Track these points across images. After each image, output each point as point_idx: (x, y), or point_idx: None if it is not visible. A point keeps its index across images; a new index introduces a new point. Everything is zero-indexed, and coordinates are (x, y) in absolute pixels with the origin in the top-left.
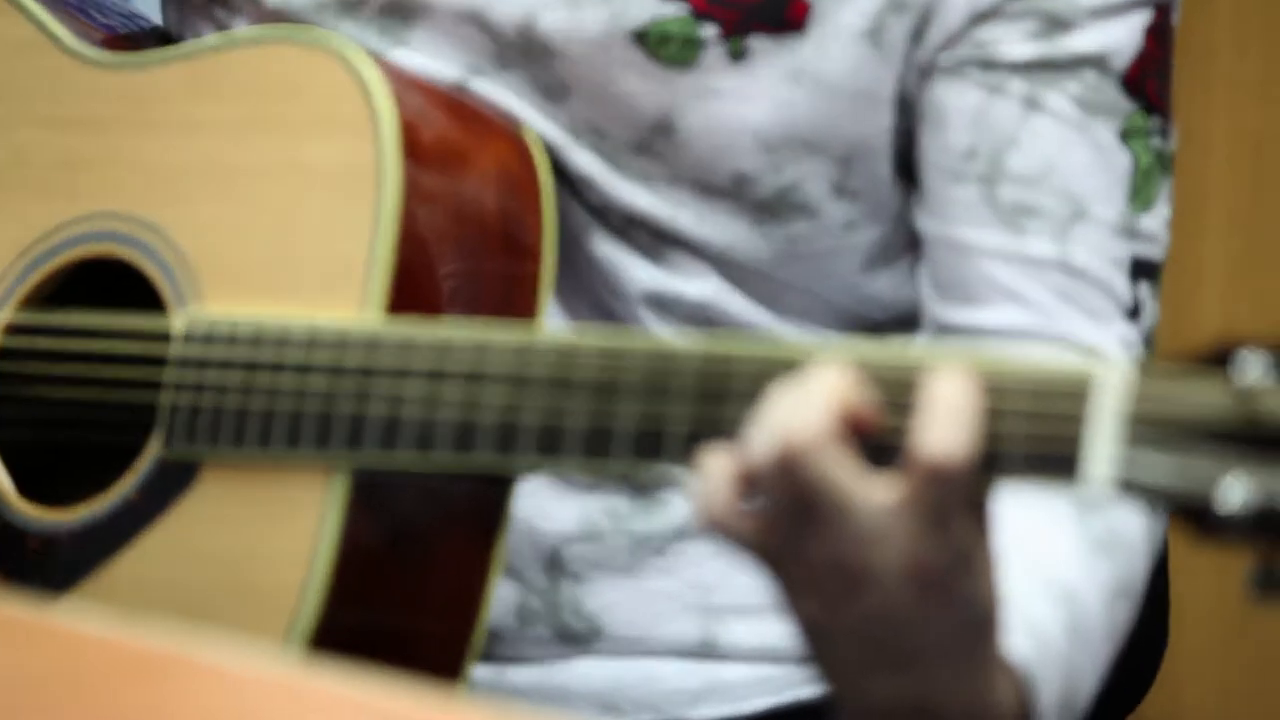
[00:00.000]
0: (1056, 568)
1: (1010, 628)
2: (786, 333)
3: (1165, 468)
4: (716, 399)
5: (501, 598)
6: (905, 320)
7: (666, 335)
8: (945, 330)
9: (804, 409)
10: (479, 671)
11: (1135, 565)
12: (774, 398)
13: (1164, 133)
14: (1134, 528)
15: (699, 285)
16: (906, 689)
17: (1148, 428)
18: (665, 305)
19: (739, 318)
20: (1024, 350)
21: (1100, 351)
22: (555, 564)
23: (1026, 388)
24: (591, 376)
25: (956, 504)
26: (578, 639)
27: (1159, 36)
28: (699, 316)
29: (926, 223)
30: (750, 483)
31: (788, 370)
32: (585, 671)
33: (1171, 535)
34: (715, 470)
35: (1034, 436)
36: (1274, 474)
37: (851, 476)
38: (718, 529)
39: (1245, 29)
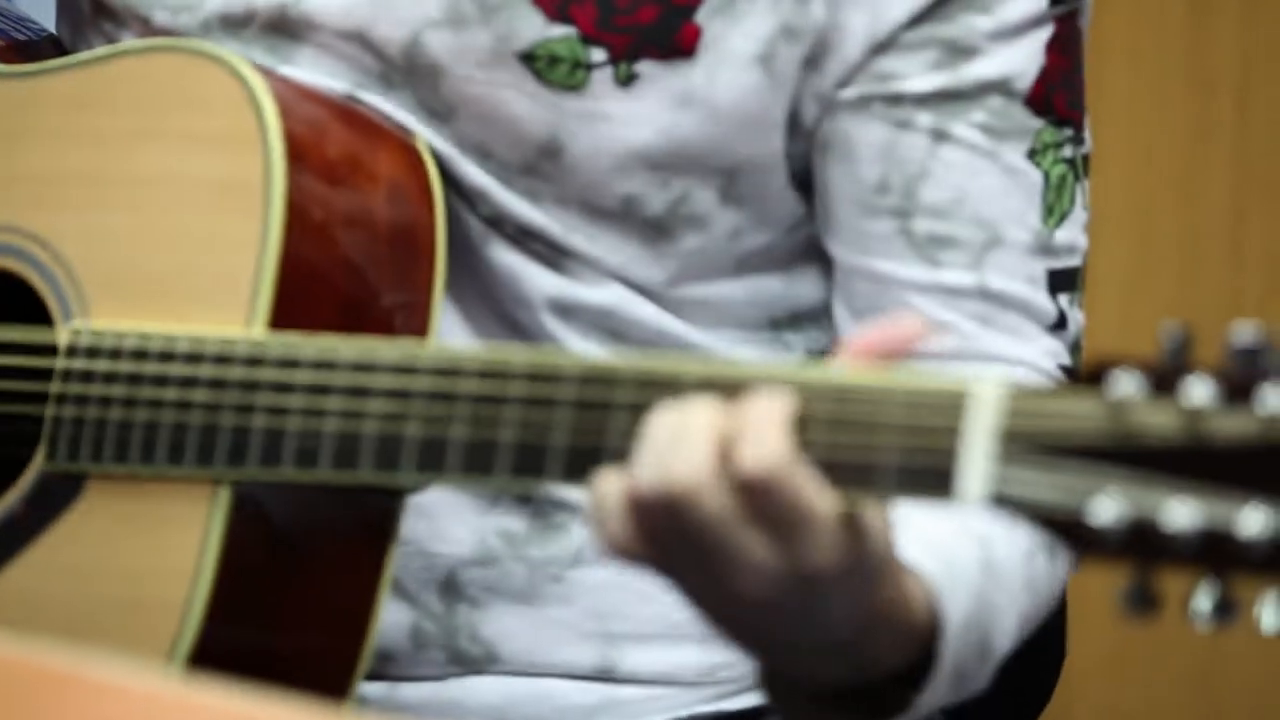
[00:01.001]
0: (970, 518)
1: (925, 552)
2: (694, 337)
3: (1039, 484)
4: (598, 414)
5: (395, 620)
6: (807, 319)
7: (572, 343)
8: None
9: (686, 451)
10: (370, 688)
11: None
12: (656, 431)
13: (1077, 140)
14: None
15: (602, 292)
16: (816, 639)
17: (1022, 444)
18: (569, 311)
19: (646, 323)
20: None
21: (1027, 364)
22: (451, 588)
23: (901, 403)
24: (473, 390)
25: (791, 520)
26: (473, 662)
27: (1063, 47)
28: (604, 323)
29: (840, 252)
30: (639, 513)
31: (668, 389)
32: (479, 688)
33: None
34: (608, 493)
35: (908, 451)
36: (1145, 491)
37: (732, 516)
38: (613, 552)
39: (1138, 37)
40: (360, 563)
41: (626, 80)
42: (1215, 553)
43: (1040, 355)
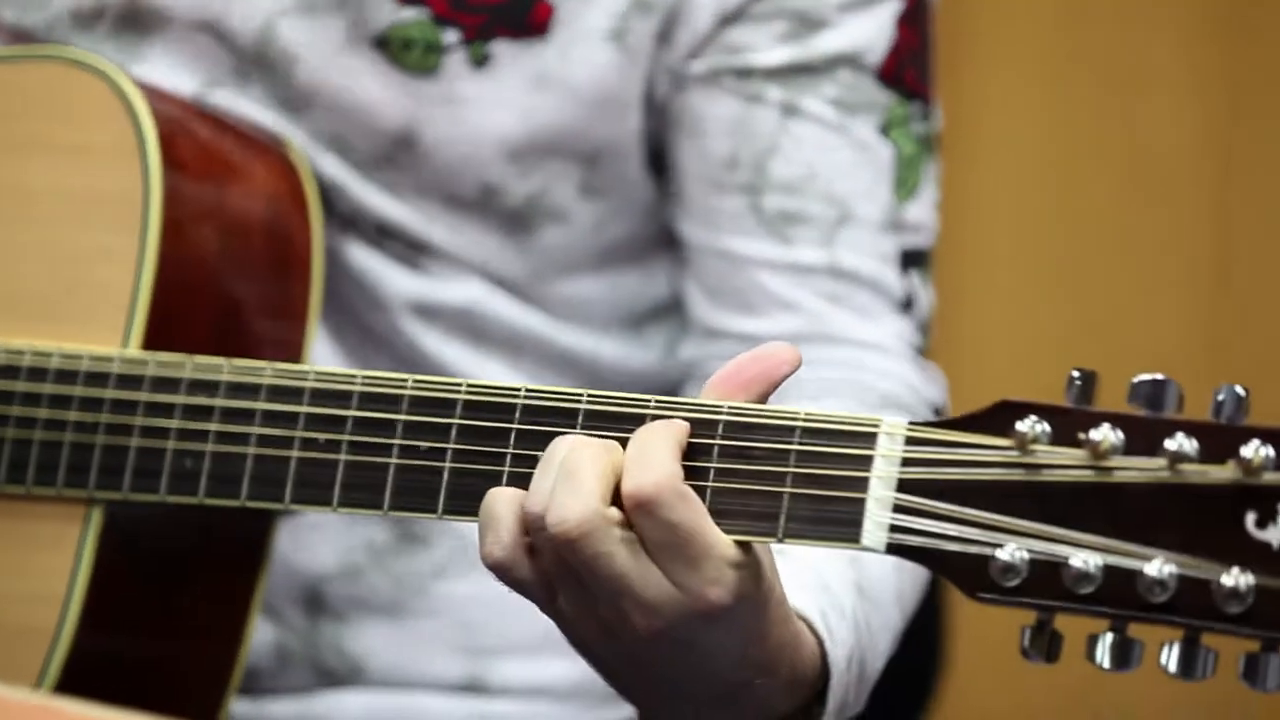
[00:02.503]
0: None
1: (801, 585)
2: (555, 334)
3: (941, 530)
4: (485, 438)
5: (258, 636)
6: (666, 312)
7: (431, 346)
8: (716, 336)
9: (572, 490)
10: (237, 706)
11: None
12: (549, 458)
13: (926, 116)
14: None
15: (461, 290)
16: (712, 689)
17: (924, 489)
18: (429, 313)
19: (506, 322)
20: (816, 401)
21: (876, 345)
22: (314, 603)
23: (802, 445)
24: (356, 414)
25: (679, 547)
26: (338, 677)
27: (912, 23)
28: (464, 323)
29: (692, 231)
30: (528, 535)
31: (563, 417)
32: (345, 703)
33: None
34: (501, 514)
35: (808, 494)
36: (1050, 535)
37: (623, 549)
38: (500, 572)
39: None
40: (232, 583)
41: (480, 61)
42: (1119, 597)
43: (889, 336)
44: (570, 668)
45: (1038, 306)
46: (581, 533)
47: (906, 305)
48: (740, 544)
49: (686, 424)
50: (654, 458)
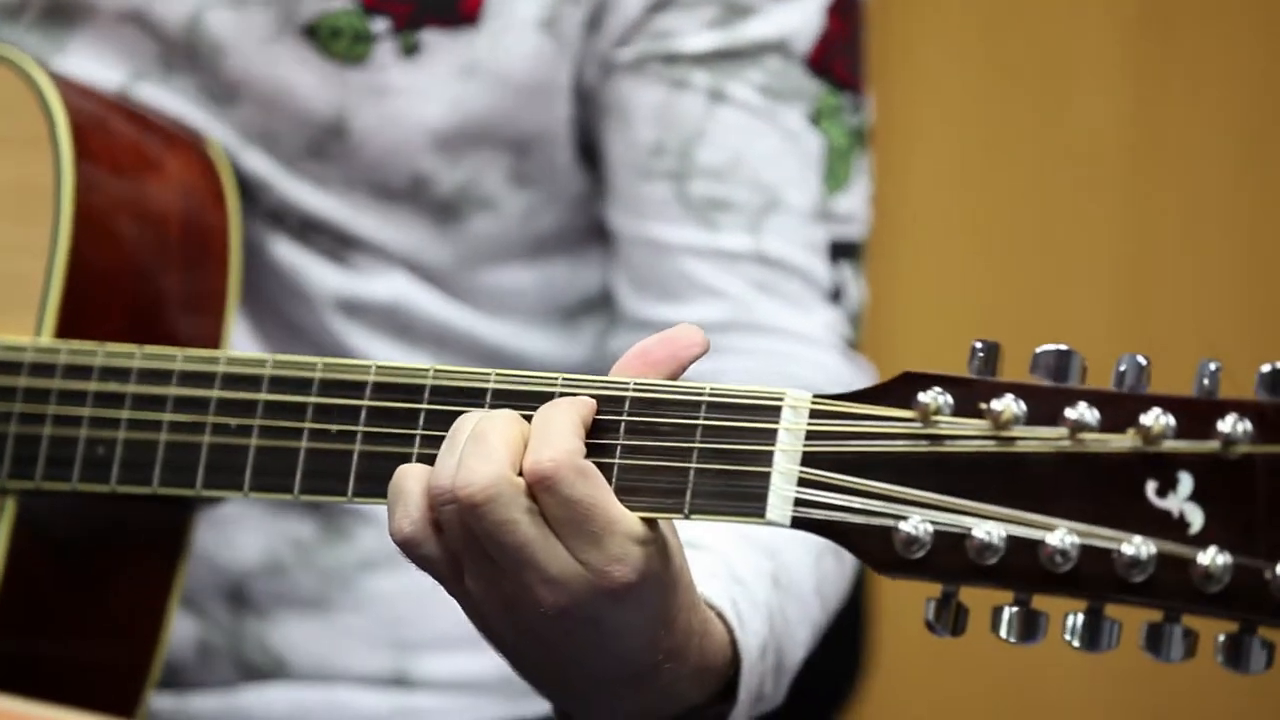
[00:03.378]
0: (756, 531)
1: (713, 574)
2: (482, 328)
3: (846, 503)
4: (394, 419)
5: (181, 632)
6: (596, 304)
7: (356, 342)
8: (643, 326)
9: (480, 456)
10: (159, 701)
11: None
12: (457, 433)
13: (858, 108)
14: None
15: (387, 285)
16: (616, 671)
17: (829, 462)
18: (354, 309)
19: (432, 317)
20: (723, 375)
21: (805, 336)
22: (238, 598)
23: (708, 419)
24: (264, 396)
25: (582, 522)
26: (261, 672)
27: (842, 14)
28: (390, 319)
29: (619, 219)
30: (435, 510)
31: (471, 396)
32: (269, 698)
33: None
34: (409, 489)
35: (714, 469)
36: (950, 508)
37: (528, 519)
38: (408, 548)
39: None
40: (150, 575)
41: (410, 50)
42: (1022, 568)
43: (819, 327)
44: (494, 662)
45: (966, 296)
46: (486, 497)
47: (836, 296)
48: (648, 522)
49: (592, 401)
50: (554, 434)
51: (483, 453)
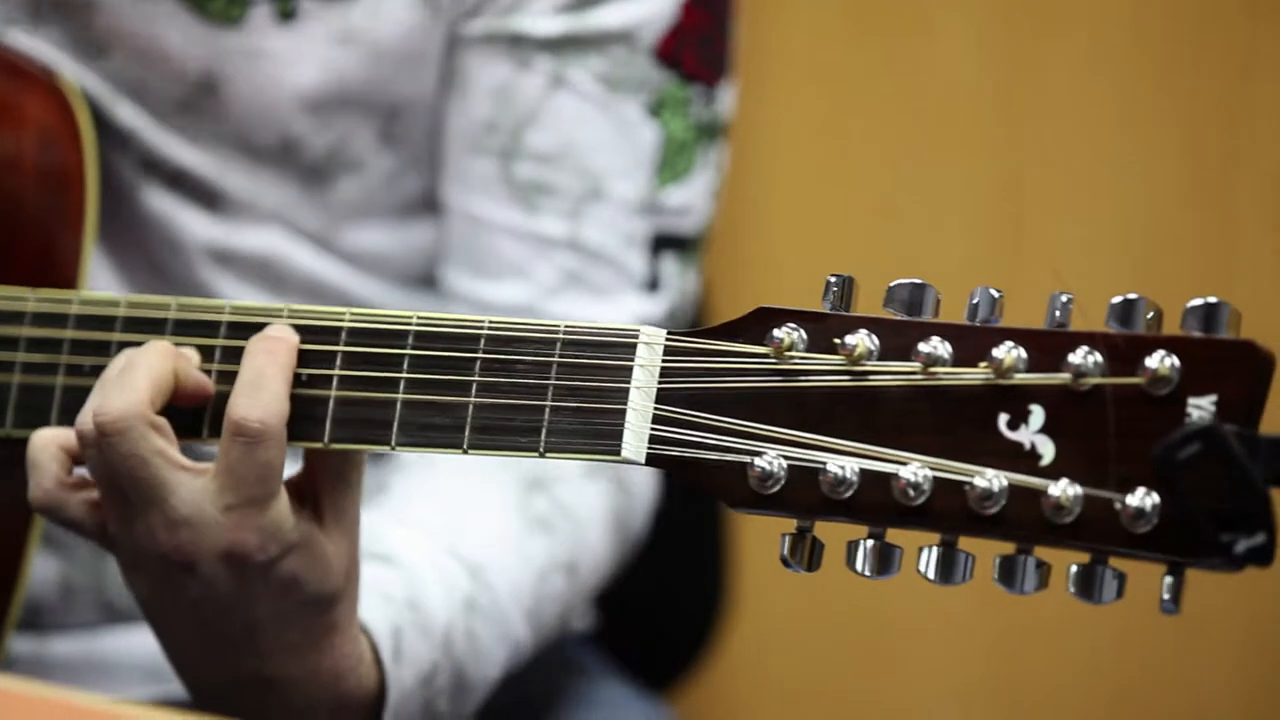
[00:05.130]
0: (469, 547)
1: (388, 596)
2: (352, 285)
3: (699, 440)
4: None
5: (43, 572)
6: None
7: (228, 293)
8: (453, 298)
9: (120, 387)
10: (18, 644)
11: (584, 540)
12: (109, 369)
13: (709, 101)
14: (587, 505)
15: (259, 237)
16: (244, 665)
17: (682, 401)
18: (225, 258)
19: (305, 271)
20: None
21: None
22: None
23: (561, 355)
24: (119, 338)
25: (264, 478)
26: (125, 614)
27: (703, 6)
28: (261, 270)
29: (446, 190)
30: (76, 462)
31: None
32: (131, 643)
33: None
34: (41, 448)
35: (570, 406)
36: (804, 443)
37: (160, 458)
38: (48, 514)
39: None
40: (6, 514)
41: (286, 15)
42: (875, 502)
43: (624, 316)
44: None
45: (836, 249)
46: (117, 428)
47: (651, 287)
48: (313, 523)
49: (292, 343)
50: (252, 386)
51: (125, 384)
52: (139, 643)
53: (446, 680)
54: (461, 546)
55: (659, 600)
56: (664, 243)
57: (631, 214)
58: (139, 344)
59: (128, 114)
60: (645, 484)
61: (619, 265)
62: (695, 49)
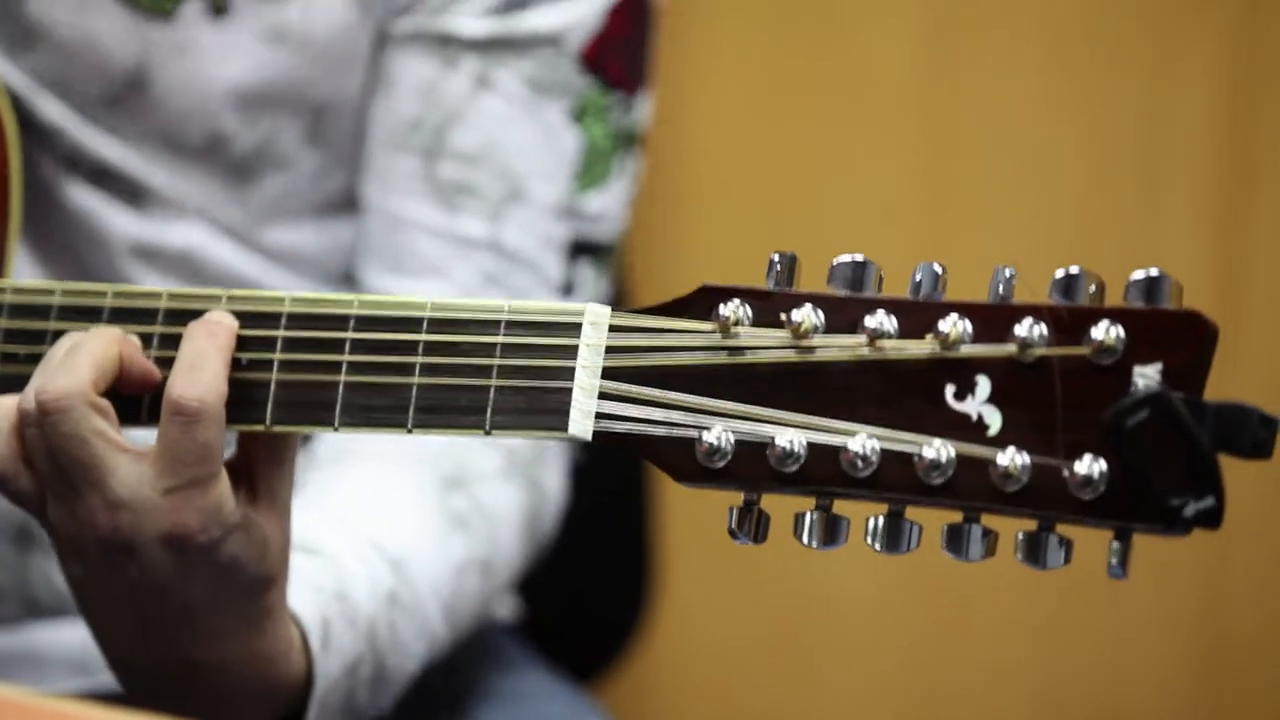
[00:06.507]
0: (391, 542)
1: (316, 587)
2: (275, 283)
3: (646, 416)
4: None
5: None
6: None
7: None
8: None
9: (64, 367)
10: None
11: (499, 539)
12: (54, 350)
13: (629, 109)
14: (503, 505)
15: (182, 234)
16: (176, 649)
17: (629, 377)
18: (149, 255)
19: (228, 268)
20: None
21: None
22: (24, 536)
23: (506, 335)
24: (54, 326)
25: (204, 458)
26: (49, 609)
27: (628, 15)
28: (185, 266)
29: (366, 187)
30: (22, 429)
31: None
32: (59, 636)
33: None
34: (4, 415)
35: (515, 386)
36: (751, 417)
37: (100, 439)
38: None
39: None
40: None
41: (219, 11)
42: (824, 474)
43: None
44: None
45: (768, 228)
46: (58, 406)
47: (566, 292)
48: (249, 505)
49: (231, 326)
50: (190, 367)
51: (69, 366)
52: (66, 636)
53: (369, 671)
54: (384, 540)
55: (585, 590)
56: (580, 249)
57: (551, 218)
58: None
59: (53, 110)
60: (556, 486)
61: (536, 268)
62: (618, 57)
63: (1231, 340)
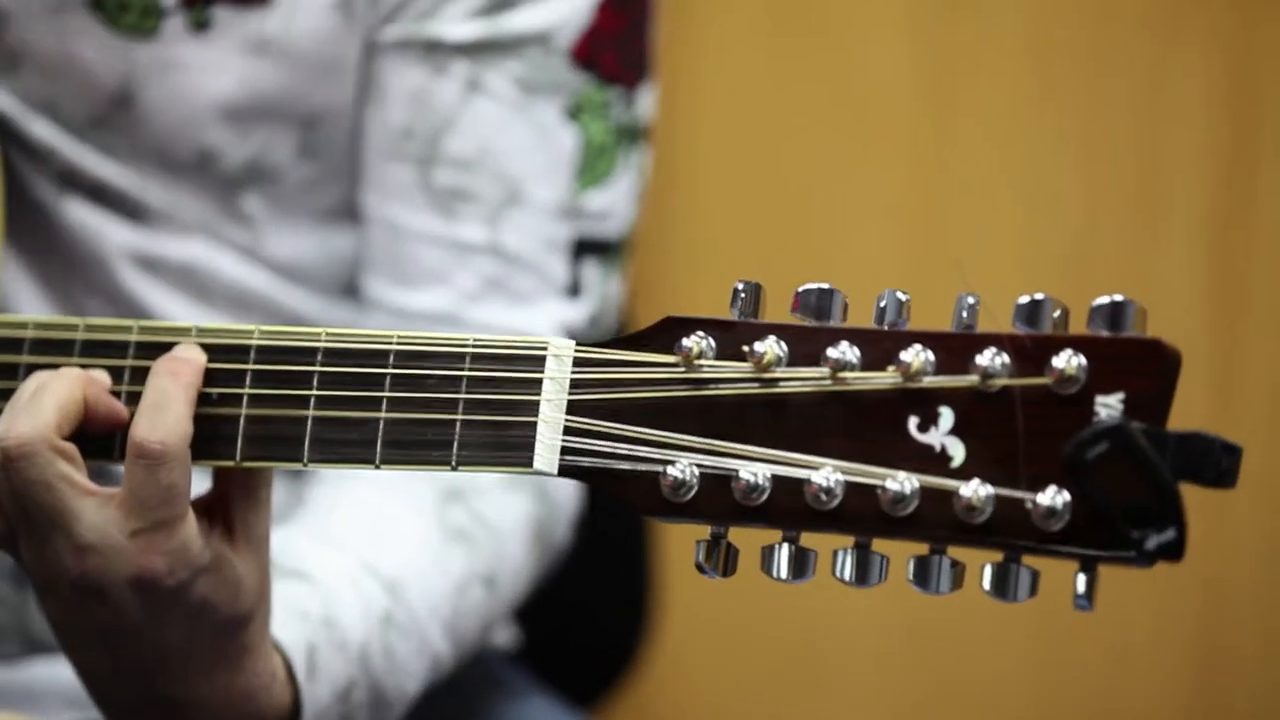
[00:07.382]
0: (387, 561)
1: (303, 614)
2: (278, 294)
3: (611, 451)
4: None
5: None
6: None
7: (154, 301)
8: (373, 307)
9: (28, 411)
10: None
11: (503, 552)
12: (21, 390)
13: (629, 103)
14: (506, 516)
15: (185, 246)
16: (154, 688)
17: (593, 412)
18: (151, 266)
19: (231, 279)
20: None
21: (527, 334)
22: (23, 575)
23: (471, 369)
24: (26, 360)
25: (169, 500)
26: (48, 646)
27: (618, 8)
28: (188, 278)
29: (365, 198)
30: None
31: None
32: (56, 672)
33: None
34: None
35: (484, 424)
36: (715, 451)
37: (65, 483)
38: None
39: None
40: None
41: (200, 26)
42: (789, 507)
43: (544, 322)
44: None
45: (758, 252)
46: (21, 452)
47: (573, 292)
48: (224, 543)
49: (198, 362)
50: (155, 408)
51: (33, 409)
52: (63, 672)
53: (364, 695)
54: (378, 561)
55: (584, 616)
56: (586, 247)
57: (552, 219)
58: (46, 366)
59: (42, 130)
60: (568, 494)
61: (540, 271)
62: (613, 51)
63: (1232, 340)
